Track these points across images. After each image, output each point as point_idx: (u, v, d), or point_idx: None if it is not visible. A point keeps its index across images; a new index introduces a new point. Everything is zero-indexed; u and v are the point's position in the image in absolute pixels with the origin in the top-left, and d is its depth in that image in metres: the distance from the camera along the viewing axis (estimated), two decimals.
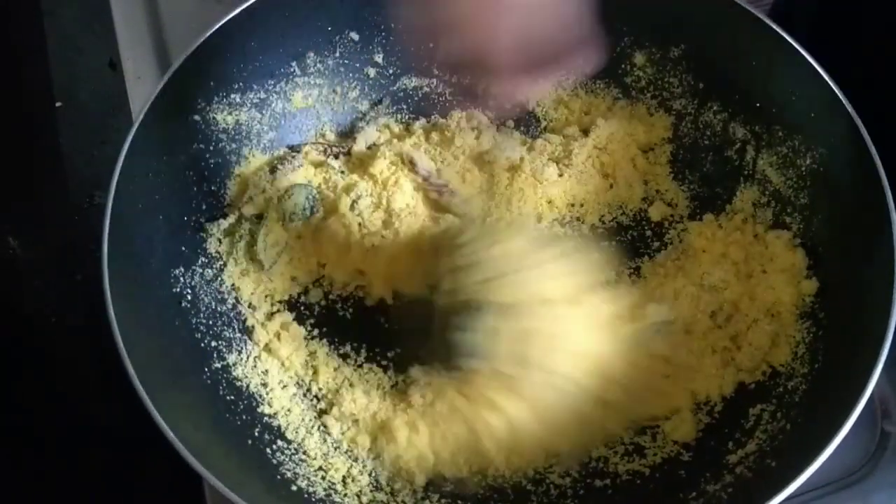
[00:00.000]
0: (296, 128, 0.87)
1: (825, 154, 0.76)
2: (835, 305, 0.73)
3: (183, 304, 0.76)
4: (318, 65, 0.86)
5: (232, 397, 0.74)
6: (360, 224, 0.80)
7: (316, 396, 0.77)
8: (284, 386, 0.77)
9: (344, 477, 0.73)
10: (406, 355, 0.77)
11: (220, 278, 0.80)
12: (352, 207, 0.81)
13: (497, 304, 0.67)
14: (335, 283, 0.81)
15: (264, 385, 0.76)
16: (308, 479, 0.72)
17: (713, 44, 0.81)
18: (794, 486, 0.61)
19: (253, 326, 0.79)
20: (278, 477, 0.71)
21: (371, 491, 0.72)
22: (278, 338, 0.79)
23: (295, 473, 0.71)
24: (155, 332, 0.72)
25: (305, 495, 0.70)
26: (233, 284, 0.80)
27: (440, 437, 0.73)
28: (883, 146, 0.69)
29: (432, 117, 0.89)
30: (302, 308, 0.81)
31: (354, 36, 0.85)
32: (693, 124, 0.86)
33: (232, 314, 0.79)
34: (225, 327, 0.78)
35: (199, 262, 0.79)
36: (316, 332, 0.80)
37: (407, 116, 0.90)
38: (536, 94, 0.86)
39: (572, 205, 0.84)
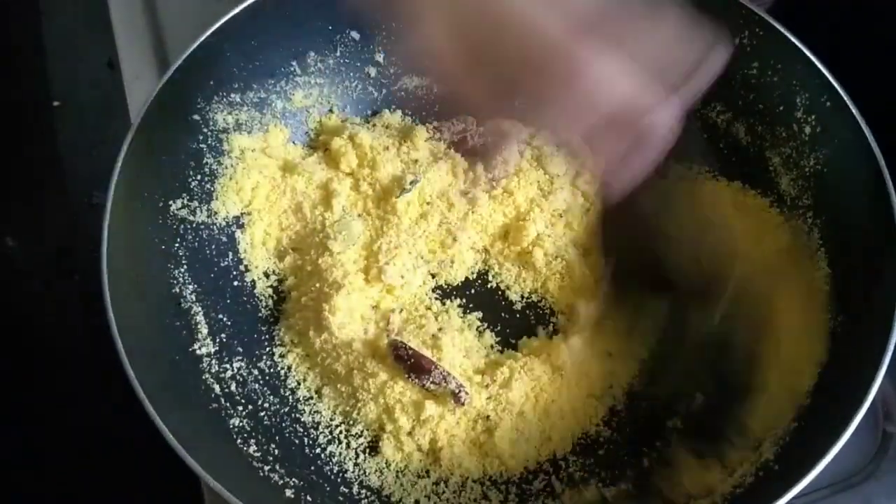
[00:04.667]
0: (297, 127, 0.87)
1: (829, 154, 0.75)
2: (837, 308, 0.73)
3: (182, 305, 0.76)
4: (319, 64, 0.85)
5: (230, 401, 0.74)
6: None
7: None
8: None
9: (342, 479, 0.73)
10: None
11: None
12: None
13: None
14: None
15: None
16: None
17: None
18: (796, 489, 0.60)
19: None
20: (278, 482, 0.70)
21: None
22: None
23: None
24: (154, 332, 0.72)
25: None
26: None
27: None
28: (887, 146, 0.69)
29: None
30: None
31: (355, 35, 0.85)
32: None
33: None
34: None
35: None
36: None
37: (408, 116, 0.90)
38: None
39: None
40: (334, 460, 0.74)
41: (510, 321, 0.80)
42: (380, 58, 0.87)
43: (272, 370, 0.77)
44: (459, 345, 0.76)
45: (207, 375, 0.74)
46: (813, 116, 0.76)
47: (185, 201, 0.78)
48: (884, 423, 0.78)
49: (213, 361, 0.75)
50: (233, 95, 0.81)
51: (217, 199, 0.81)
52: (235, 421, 0.73)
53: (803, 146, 0.77)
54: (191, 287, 0.77)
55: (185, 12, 0.96)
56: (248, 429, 0.73)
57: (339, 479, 0.73)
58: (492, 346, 0.78)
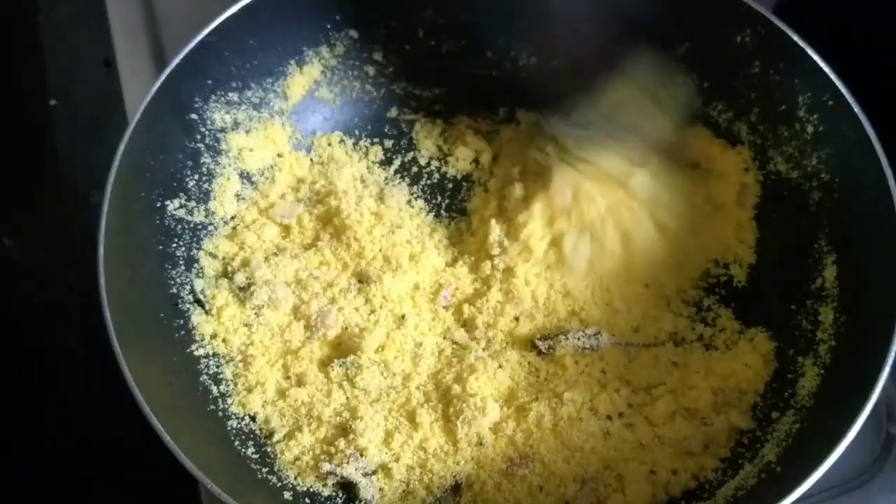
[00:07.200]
0: (294, 125, 0.86)
1: (831, 153, 0.75)
2: (840, 309, 0.73)
3: (180, 306, 0.75)
4: (318, 63, 0.85)
5: (228, 400, 0.74)
6: None
7: None
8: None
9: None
10: None
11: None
12: None
13: None
14: None
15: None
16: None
17: (718, 42, 0.80)
18: (799, 491, 0.60)
19: None
20: (276, 484, 0.71)
21: None
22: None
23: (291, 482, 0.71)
24: (151, 333, 0.71)
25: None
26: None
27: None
28: (889, 145, 0.69)
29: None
30: None
31: (354, 34, 0.84)
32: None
33: None
34: None
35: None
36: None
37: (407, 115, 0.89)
38: None
39: None
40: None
41: None
42: (378, 56, 0.86)
43: None
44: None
45: (205, 377, 0.74)
46: (815, 115, 0.75)
47: (183, 201, 0.78)
48: (887, 425, 0.78)
49: (211, 363, 0.75)
50: (230, 94, 0.81)
51: (214, 198, 0.80)
52: (233, 423, 0.72)
53: (806, 145, 0.77)
54: (188, 288, 0.76)
55: (183, 11, 0.96)
56: (247, 431, 0.72)
57: None
58: None
